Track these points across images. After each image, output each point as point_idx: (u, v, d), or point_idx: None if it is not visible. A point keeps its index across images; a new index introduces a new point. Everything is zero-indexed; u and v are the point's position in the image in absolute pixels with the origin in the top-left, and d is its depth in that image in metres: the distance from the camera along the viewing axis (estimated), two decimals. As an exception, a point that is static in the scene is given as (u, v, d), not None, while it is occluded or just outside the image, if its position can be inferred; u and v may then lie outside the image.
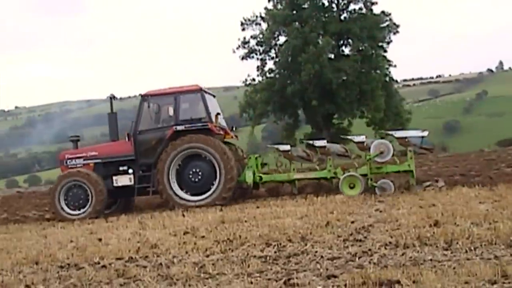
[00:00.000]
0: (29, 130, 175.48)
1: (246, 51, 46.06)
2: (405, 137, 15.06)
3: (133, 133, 16.08)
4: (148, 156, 15.91)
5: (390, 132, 15.86)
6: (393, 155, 14.93)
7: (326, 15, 44.97)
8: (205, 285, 5.70)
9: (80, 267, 7.31)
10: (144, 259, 7.45)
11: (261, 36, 45.89)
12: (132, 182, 15.97)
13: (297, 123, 47.02)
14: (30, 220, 16.83)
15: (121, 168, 16.12)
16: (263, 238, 8.08)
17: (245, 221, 10.41)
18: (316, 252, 6.85)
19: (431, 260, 5.91)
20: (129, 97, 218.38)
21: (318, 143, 15.83)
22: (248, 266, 6.34)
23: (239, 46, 46.10)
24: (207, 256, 7.26)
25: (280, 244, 7.59)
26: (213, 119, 15.84)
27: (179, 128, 15.62)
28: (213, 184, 15.34)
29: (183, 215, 12.89)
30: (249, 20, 46.38)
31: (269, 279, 5.71)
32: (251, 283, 5.62)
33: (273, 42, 45.73)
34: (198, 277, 6.11)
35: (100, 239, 9.63)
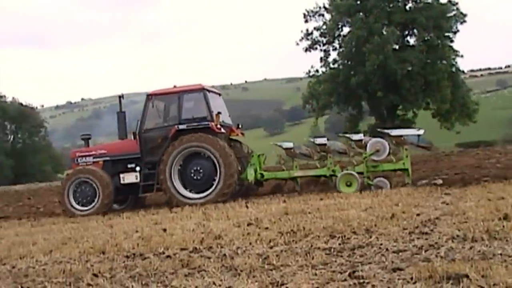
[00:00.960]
0: (95, 121, 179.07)
1: (309, 42, 45.87)
2: (401, 136, 15.23)
3: (139, 132, 16.43)
4: (153, 154, 16.25)
5: (386, 131, 15.80)
6: (389, 153, 15.11)
7: (391, 5, 44.34)
8: (269, 277, 5.67)
9: (145, 257, 7.38)
10: (208, 250, 7.48)
11: (324, 27, 45.61)
12: (138, 180, 16.34)
13: (361, 114, 46.65)
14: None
15: (129, 166, 16.53)
16: (327, 230, 8.02)
17: (309, 213, 10.36)
18: (381, 244, 6.75)
19: (500, 254, 5.74)
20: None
21: (319, 140, 16.00)
22: (312, 258, 6.29)
23: (302, 38, 45.95)
24: (271, 247, 7.24)
25: (345, 236, 7.51)
26: (214, 118, 15.96)
27: (181, 127, 15.93)
28: (214, 181, 15.59)
29: (247, 207, 12.92)
30: (312, 11, 46.16)
31: (333, 271, 5.65)
32: (315, 275, 5.57)
33: (337, 33, 45.41)
34: (262, 268, 6.09)
35: (164, 230, 9.71)
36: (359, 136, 15.67)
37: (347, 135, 16.63)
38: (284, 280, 5.48)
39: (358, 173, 14.98)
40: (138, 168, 16.43)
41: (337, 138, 18.78)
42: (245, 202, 14.18)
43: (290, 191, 16.29)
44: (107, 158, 16.82)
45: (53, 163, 69.10)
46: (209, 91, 16.59)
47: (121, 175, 16.47)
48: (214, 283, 5.64)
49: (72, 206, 16.14)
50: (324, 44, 45.70)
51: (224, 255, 7.01)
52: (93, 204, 16.09)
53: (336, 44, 45.57)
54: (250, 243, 7.65)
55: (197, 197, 15.58)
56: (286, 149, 16.44)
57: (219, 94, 17.77)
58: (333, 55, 45.59)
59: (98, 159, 16.84)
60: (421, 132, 15.40)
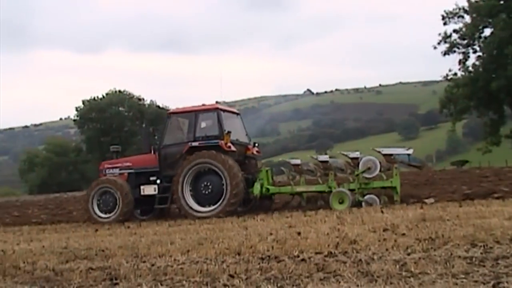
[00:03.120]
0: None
1: (447, 45, 44.60)
2: (391, 154, 15.75)
3: (158, 147, 17.62)
4: (170, 169, 17.18)
5: (377, 149, 16.22)
6: (380, 171, 15.67)
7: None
8: (407, 284, 5.50)
9: (280, 259, 7.37)
10: (343, 255, 7.37)
11: (464, 29, 44.19)
12: (156, 192, 17.31)
13: (502, 119, 44.81)
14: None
15: (151, 179, 17.55)
16: (468, 238, 7.70)
17: (448, 220, 10.02)
18: (528, 255, 6.40)
19: None
20: (325, 92, 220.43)
21: (321, 158, 16.95)
22: (453, 267, 6.05)
23: (440, 41, 44.77)
24: (408, 254, 7.03)
25: (487, 245, 7.19)
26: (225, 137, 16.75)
27: (194, 144, 16.83)
28: (221, 197, 16.34)
29: (382, 212, 12.70)
30: (451, 13, 44.85)
31: (475, 281, 5.40)
32: (456, 284, 5.35)
33: (477, 35, 43.84)
34: (400, 275, 5.92)
35: (299, 233, 9.68)
36: (356, 154, 16.21)
37: (345, 153, 17.04)
38: (422, 288, 5.31)
39: (351, 190, 15.66)
40: (158, 181, 17.46)
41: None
42: (380, 207, 13.96)
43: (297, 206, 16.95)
44: (131, 171, 17.95)
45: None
46: (225, 111, 17.68)
47: (142, 187, 17.54)
48: (350, 289, 5.55)
49: (95, 213, 17.28)
50: (463, 47, 44.26)
51: (360, 260, 6.88)
52: (114, 212, 17.14)
53: (476, 47, 44.00)
54: (387, 249, 7.48)
55: (204, 210, 16.43)
56: (294, 165, 17.38)
57: (237, 114, 18.77)
58: (473, 58, 44.10)
59: (123, 171, 18.02)
60: (410, 151, 16.04)
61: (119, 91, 72.13)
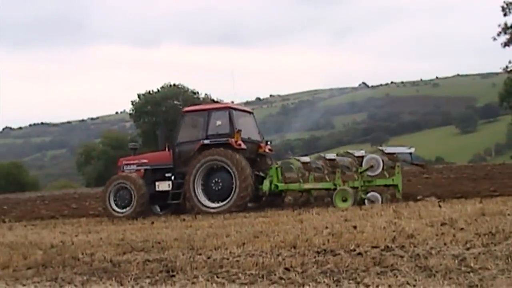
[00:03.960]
0: (283, 118, 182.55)
1: (508, 37, 43.63)
2: (394, 153, 16.19)
3: (173, 145, 18.05)
4: (183, 166, 17.54)
5: (380, 148, 17.00)
6: (383, 169, 15.95)
7: None
8: (466, 279, 5.41)
9: (336, 253, 7.32)
10: (400, 249, 7.27)
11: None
12: (170, 188, 17.75)
13: None
14: (285, 205, 17.72)
15: (166, 175, 17.95)
16: (529, 233, 7.52)
17: (508, 215, 9.79)
18: None
19: None
20: (381, 85, 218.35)
21: (329, 156, 17.15)
22: (514, 263, 5.92)
23: (500, 32, 43.81)
24: (467, 249, 6.90)
25: (551, 241, 7.01)
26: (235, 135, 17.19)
27: (206, 142, 17.27)
28: (231, 193, 16.70)
29: (439, 206, 12.50)
30: (510, 3, 43.85)
31: (538, 278, 5.27)
32: (518, 280, 5.23)
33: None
34: (459, 270, 5.82)
35: (355, 227, 9.60)
36: (361, 153, 16.60)
37: (350, 151, 17.30)
38: (483, 284, 5.21)
39: (355, 187, 16.04)
40: (173, 177, 17.88)
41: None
42: (437, 201, 13.76)
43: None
44: (148, 167, 18.37)
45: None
46: (237, 109, 18.23)
47: (157, 183, 17.96)
48: (408, 283, 5.48)
49: (112, 208, 17.71)
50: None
51: (418, 254, 6.79)
52: (129, 207, 17.52)
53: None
54: (445, 244, 7.35)
55: (215, 206, 16.80)
56: (303, 163, 17.68)
57: (250, 113, 19.33)
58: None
59: (140, 168, 18.47)
60: (412, 150, 16.53)
61: (174, 84, 72.67)
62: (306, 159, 17.88)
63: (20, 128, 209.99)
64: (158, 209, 18.81)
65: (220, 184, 17.00)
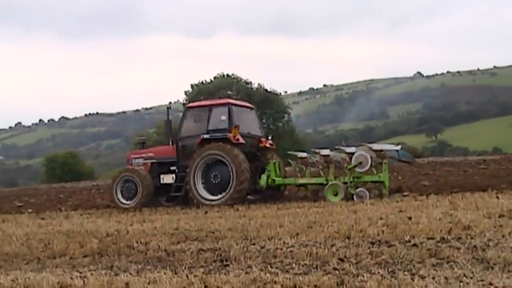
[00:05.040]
0: (336, 107, 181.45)
1: None
2: (382, 150, 16.58)
3: (176, 139, 18.66)
4: (186, 159, 18.11)
5: (369, 145, 17.22)
6: (371, 165, 16.37)
7: None
8: (525, 272, 5.28)
9: (391, 244, 7.24)
10: (456, 241, 7.16)
11: None
12: (174, 181, 18.39)
13: None
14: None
15: (171, 168, 18.57)
16: None
17: None
18: None
19: None
20: (436, 74, 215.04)
21: (323, 152, 17.55)
22: None
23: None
24: (527, 241, 6.75)
25: None
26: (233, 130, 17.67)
27: (206, 136, 17.82)
28: (228, 186, 17.24)
29: (497, 197, 12.27)
30: None
31: None
32: None
33: None
34: (518, 263, 5.69)
35: (410, 218, 9.48)
36: (352, 149, 16.95)
37: (341, 148, 17.74)
38: (543, 277, 5.06)
39: (345, 183, 16.35)
40: (177, 171, 18.48)
41: None
42: (495, 192, 13.50)
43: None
44: (154, 161, 19.05)
45: (297, 148, 71.01)
46: (237, 105, 19.03)
47: (162, 176, 18.67)
48: (464, 275, 5.38)
49: (119, 200, 18.55)
50: None
51: (475, 246, 6.67)
52: (135, 199, 18.29)
53: None
54: (503, 236, 7.21)
55: (213, 198, 17.36)
56: (300, 158, 18.47)
57: (251, 108, 19.88)
58: None
59: (147, 161, 19.16)
60: (398, 147, 17.30)
61: (227, 75, 72.90)
62: (303, 154, 18.69)
63: (76, 118, 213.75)
64: (165, 201, 19.24)
65: (219, 177, 17.58)
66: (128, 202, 18.32)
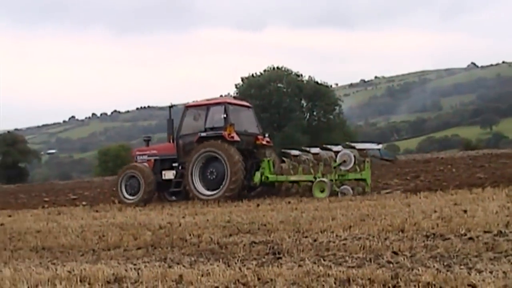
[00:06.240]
0: (387, 99, 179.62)
1: None
2: (364, 149, 17.20)
3: (176, 137, 19.36)
4: (186, 156, 18.80)
5: (352, 144, 17.86)
6: (354, 163, 16.83)
7: None
8: None
9: (446, 237, 7.12)
10: (514, 234, 7.00)
11: None
12: (174, 177, 19.06)
13: None
14: (393, 187, 17.61)
15: (173, 165, 19.25)
16: None
17: None
18: None
19: None
20: (491, 65, 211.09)
21: (313, 150, 18.35)
22: None
23: None
24: None
25: None
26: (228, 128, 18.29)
27: (203, 134, 18.55)
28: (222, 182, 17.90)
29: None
30: None
31: None
32: None
33: None
34: None
35: (465, 211, 9.33)
36: (338, 148, 17.69)
37: (329, 146, 18.35)
38: None
39: (331, 180, 16.87)
40: (180, 167, 19.12)
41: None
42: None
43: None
44: (157, 157, 19.80)
45: (348, 140, 70.46)
46: (234, 104, 19.76)
47: (163, 172, 19.40)
48: (524, 270, 5.24)
49: (123, 195, 19.22)
50: None
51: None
52: (138, 194, 18.94)
53: None
54: None
55: (209, 193, 18.00)
56: (293, 156, 19.11)
57: (249, 107, 20.53)
58: None
59: (150, 158, 19.88)
60: (380, 146, 18.01)
61: (277, 67, 72.80)
62: (296, 152, 19.19)
63: (128, 111, 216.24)
64: (170, 196, 19.96)
65: (215, 173, 18.27)
66: (132, 198, 18.99)
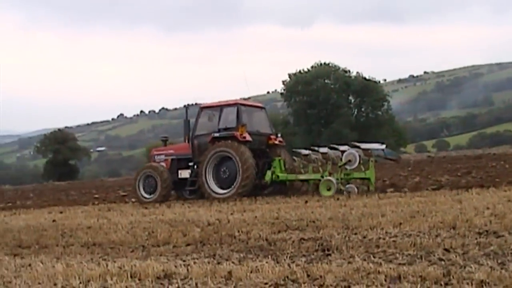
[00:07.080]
0: (437, 95, 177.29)
1: None
2: (369, 149, 17.47)
3: (191, 137, 19.91)
4: (201, 156, 19.27)
5: (357, 144, 17.93)
6: (360, 163, 17.12)
7: None
8: None
9: (500, 235, 6.98)
10: None
11: None
12: (189, 176, 19.63)
13: None
14: (445, 184, 17.32)
15: (190, 164, 19.75)
16: None
17: None
18: None
19: None
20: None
21: (322, 149, 18.78)
22: None
23: None
24: None
25: None
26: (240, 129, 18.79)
27: (216, 134, 19.07)
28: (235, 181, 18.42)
29: None
30: None
31: None
32: None
33: None
34: None
35: (518, 207, 9.14)
36: (345, 148, 17.82)
37: (336, 146, 18.59)
38: None
39: (337, 179, 17.10)
40: (194, 167, 19.63)
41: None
42: None
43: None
44: (174, 157, 20.40)
45: (396, 136, 69.85)
46: (246, 105, 20.12)
47: (179, 171, 20.00)
48: None
49: (141, 194, 19.85)
50: None
51: None
52: (155, 193, 19.55)
53: None
54: None
55: (221, 192, 18.54)
56: (303, 155, 19.80)
57: (262, 108, 21.17)
58: None
59: (167, 157, 20.50)
60: (383, 146, 18.23)
61: (325, 63, 72.51)
62: (306, 152, 19.69)
63: (175, 109, 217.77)
64: (188, 194, 20.44)
65: (227, 172, 18.80)
66: (150, 196, 19.59)
